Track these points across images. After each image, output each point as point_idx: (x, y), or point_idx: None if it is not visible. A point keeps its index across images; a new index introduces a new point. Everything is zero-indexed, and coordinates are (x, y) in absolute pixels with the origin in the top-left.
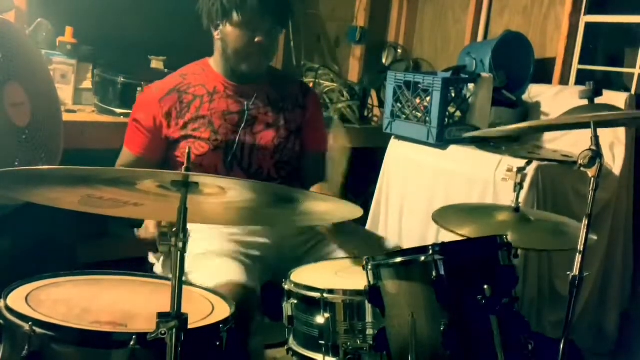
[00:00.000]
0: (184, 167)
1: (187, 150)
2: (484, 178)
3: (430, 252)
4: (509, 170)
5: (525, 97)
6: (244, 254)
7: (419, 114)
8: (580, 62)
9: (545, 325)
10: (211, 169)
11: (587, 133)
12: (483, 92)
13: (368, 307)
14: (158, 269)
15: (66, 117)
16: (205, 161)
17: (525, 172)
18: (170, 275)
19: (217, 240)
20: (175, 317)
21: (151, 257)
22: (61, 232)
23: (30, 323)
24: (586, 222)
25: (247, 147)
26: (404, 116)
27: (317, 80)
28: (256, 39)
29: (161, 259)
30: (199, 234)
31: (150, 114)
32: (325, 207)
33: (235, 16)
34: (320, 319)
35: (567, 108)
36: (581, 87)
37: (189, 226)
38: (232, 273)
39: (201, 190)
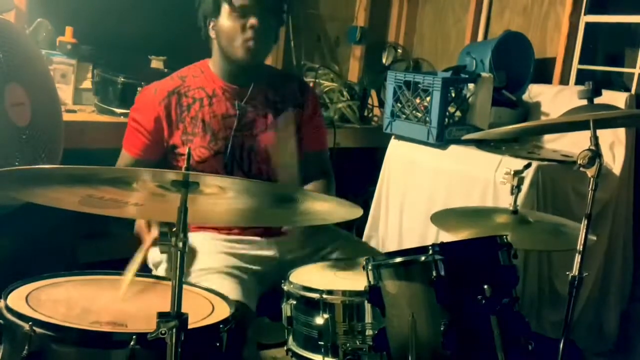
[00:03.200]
0: (184, 167)
1: (187, 151)
2: (484, 178)
3: (430, 252)
4: (507, 173)
5: (525, 97)
6: (243, 268)
7: (419, 114)
8: (580, 62)
9: (545, 325)
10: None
11: (587, 133)
12: (483, 92)
13: (367, 307)
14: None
15: (66, 117)
16: (206, 166)
17: (523, 175)
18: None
19: (216, 256)
20: (175, 317)
21: (150, 263)
22: (61, 232)
23: (30, 323)
24: (585, 222)
25: (247, 150)
26: (404, 116)
27: (317, 80)
28: (249, 22)
29: (160, 265)
30: (198, 248)
31: (150, 116)
32: (325, 207)
33: (226, 6)
34: (319, 320)
35: (567, 108)
36: (581, 87)
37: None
38: (227, 291)
39: (201, 191)
